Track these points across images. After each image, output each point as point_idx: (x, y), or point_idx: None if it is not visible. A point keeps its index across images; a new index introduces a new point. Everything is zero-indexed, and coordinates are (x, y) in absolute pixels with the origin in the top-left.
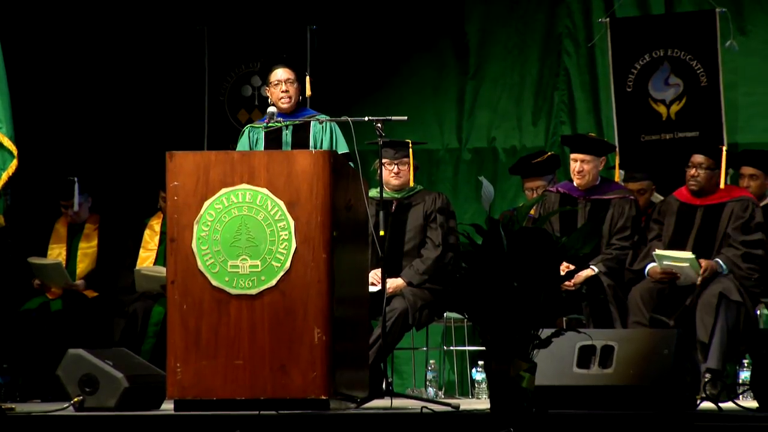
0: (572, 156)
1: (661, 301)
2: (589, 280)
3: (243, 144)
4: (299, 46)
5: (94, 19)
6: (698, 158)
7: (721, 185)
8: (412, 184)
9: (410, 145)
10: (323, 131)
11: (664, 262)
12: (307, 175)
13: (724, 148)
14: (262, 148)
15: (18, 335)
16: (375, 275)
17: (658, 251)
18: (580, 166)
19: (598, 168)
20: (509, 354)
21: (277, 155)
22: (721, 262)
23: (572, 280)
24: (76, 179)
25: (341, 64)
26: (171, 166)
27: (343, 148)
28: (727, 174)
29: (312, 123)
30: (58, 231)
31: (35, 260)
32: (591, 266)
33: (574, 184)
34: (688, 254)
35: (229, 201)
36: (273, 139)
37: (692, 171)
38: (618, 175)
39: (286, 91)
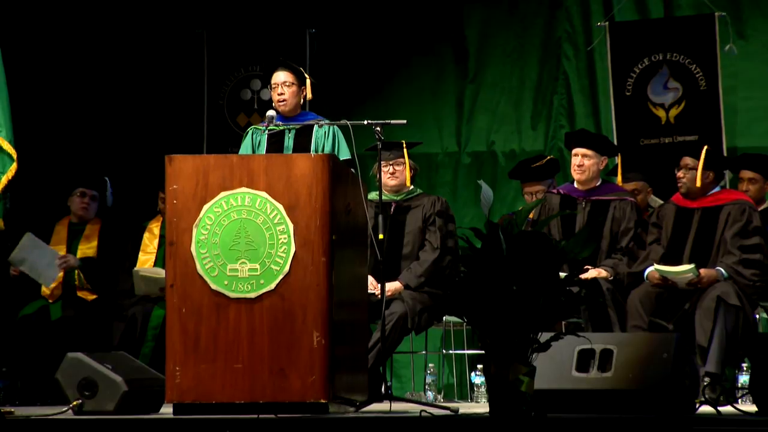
0: (573, 151)
1: (660, 305)
2: (588, 283)
3: (246, 146)
4: (298, 50)
5: (94, 22)
6: (687, 160)
7: (697, 183)
8: (408, 184)
9: (404, 145)
10: (326, 137)
11: (666, 277)
12: (307, 179)
13: (706, 147)
14: (264, 152)
15: (17, 339)
16: (371, 282)
17: (657, 266)
18: (580, 160)
19: (599, 166)
20: (508, 358)
21: (277, 159)
22: (722, 270)
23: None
24: (107, 179)
25: (340, 67)
26: (170, 169)
27: (345, 154)
28: (723, 176)
29: (315, 128)
30: (59, 232)
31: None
32: (605, 268)
33: (574, 180)
34: (689, 266)
35: (229, 204)
36: (275, 143)
37: (680, 173)
38: (620, 179)
39: (282, 94)
